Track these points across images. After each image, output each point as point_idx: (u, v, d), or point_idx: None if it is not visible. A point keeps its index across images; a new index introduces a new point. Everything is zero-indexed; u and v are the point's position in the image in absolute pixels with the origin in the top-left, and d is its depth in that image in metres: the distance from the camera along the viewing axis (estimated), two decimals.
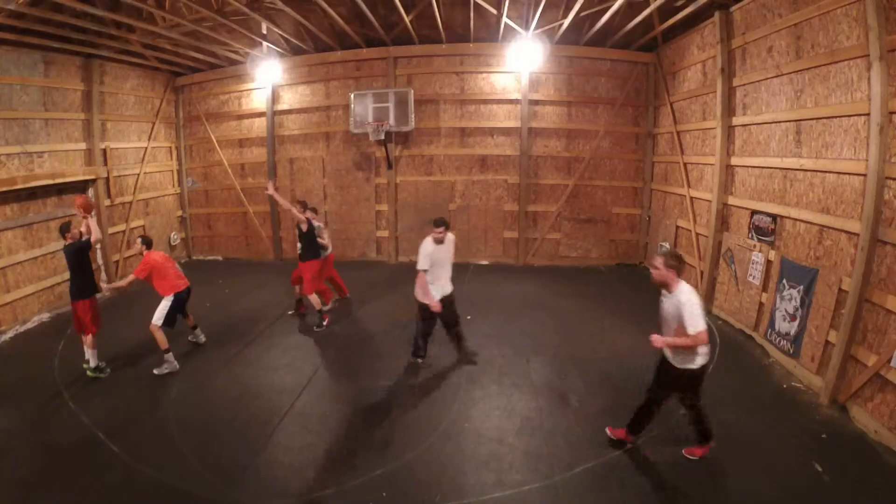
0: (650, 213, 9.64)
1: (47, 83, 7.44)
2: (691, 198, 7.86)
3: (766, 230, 5.82)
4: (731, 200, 6.64)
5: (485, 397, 4.89)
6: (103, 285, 6.55)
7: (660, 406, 3.85)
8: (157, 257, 5.56)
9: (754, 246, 6.03)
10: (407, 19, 8.10)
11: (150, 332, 5.45)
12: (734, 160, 6.57)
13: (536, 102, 9.58)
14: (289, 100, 10.26)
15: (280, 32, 8.53)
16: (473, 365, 5.52)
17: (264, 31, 8.56)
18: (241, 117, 10.57)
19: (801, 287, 5.11)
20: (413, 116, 9.32)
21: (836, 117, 4.73)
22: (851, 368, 4.43)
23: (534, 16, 7.64)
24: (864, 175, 4.28)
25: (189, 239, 11.20)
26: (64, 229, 5.33)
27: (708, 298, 6.98)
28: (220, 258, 11.20)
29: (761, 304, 5.87)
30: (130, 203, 9.26)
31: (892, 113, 4.06)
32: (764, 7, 5.80)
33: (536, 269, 9.81)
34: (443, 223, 5.16)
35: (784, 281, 5.41)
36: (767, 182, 5.86)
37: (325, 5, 6.89)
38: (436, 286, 5.17)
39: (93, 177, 8.18)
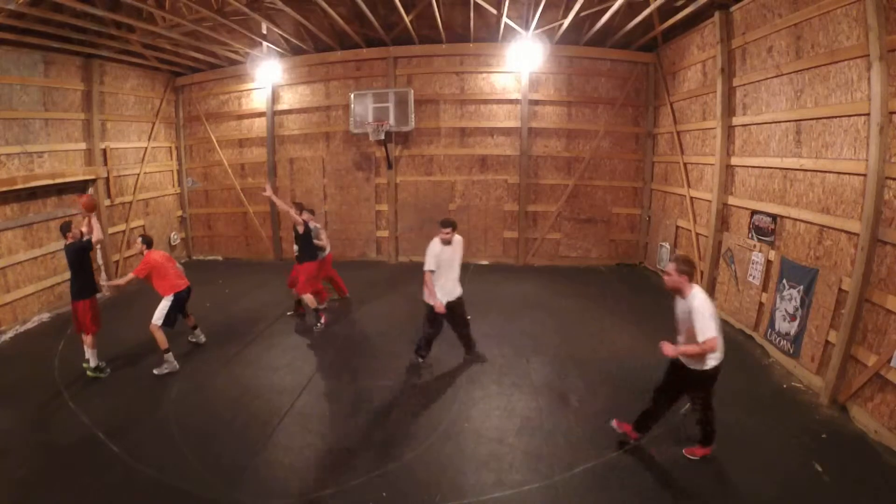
0: (650, 213, 9.64)
1: (47, 83, 7.44)
2: (691, 198, 7.86)
3: (766, 230, 5.82)
4: (731, 200, 6.64)
5: (485, 397, 4.89)
6: (102, 283, 6.53)
7: (669, 406, 3.84)
8: (157, 257, 5.56)
9: (754, 246, 6.03)
10: (407, 19, 8.10)
11: (150, 332, 5.45)
12: (734, 160, 6.58)
13: (536, 102, 9.58)
14: (289, 100, 10.26)
15: (280, 32, 8.53)
16: (480, 365, 5.52)
17: (264, 31, 8.57)
18: (241, 117, 10.57)
19: (801, 287, 5.11)
20: (413, 116, 9.31)
21: (836, 117, 4.73)
22: (851, 368, 4.43)
23: (534, 16, 7.65)
24: (864, 175, 4.28)
25: (189, 239, 11.20)
26: (65, 229, 5.33)
27: None
28: (220, 258, 11.20)
29: (761, 304, 5.87)
30: (130, 203, 9.26)
31: (892, 113, 4.06)
32: (764, 7, 5.80)
33: (536, 269, 9.81)
34: (450, 224, 5.10)
35: (784, 281, 5.41)
36: (767, 182, 5.86)
37: (325, 5, 6.89)
38: (443, 288, 5.13)
39: (93, 177, 8.18)
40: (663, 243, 8.75)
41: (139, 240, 5.72)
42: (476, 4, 7.76)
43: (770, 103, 5.80)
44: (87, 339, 5.23)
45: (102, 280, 6.80)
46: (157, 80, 10.01)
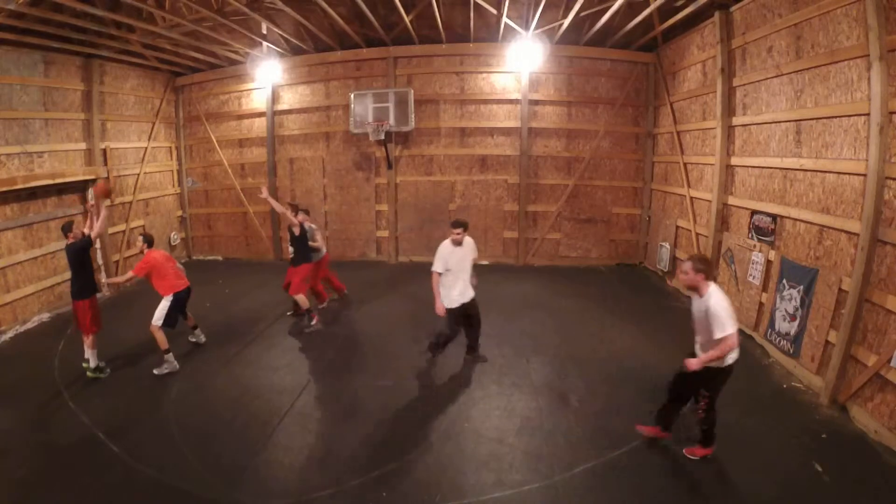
0: (650, 213, 9.64)
1: (47, 83, 7.44)
2: (691, 198, 7.86)
3: (766, 230, 5.82)
4: (731, 200, 6.64)
5: (485, 397, 4.89)
6: (102, 279, 6.54)
7: (686, 401, 3.85)
8: (157, 256, 5.56)
9: (754, 246, 6.03)
10: (407, 19, 8.10)
11: (150, 332, 5.45)
12: (734, 160, 6.58)
13: (536, 102, 9.58)
14: (289, 100, 10.26)
15: (280, 32, 8.53)
16: (480, 365, 5.51)
17: (264, 31, 8.57)
18: (241, 117, 10.57)
19: (801, 287, 5.11)
20: (413, 116, 9.31)
21: (836, 117, 4.73)
22: (851, 368, 4.43)
23: (534, 16, 7.65)
24: (864, 175, 4.28)
25: (189, 239, 11.20)
26: (66, 228, 5.33)
27: None
28: (220, 258, 11.20)
29: (761, 304, 5.87)
30: (130, 203, 9.25)
31: (892, 113, 4.06)
32: (764, 7, 5.80)
33: (536, 269, 9.81)
34: (461, 224, 5.05)
35: (784, 281, 5.41)
36: (767, 182, 5.86)
37: (325, 5, 6.89)
38: (454, 290, 5.08)
39: (93, 177, 8.15)
40: (663, 243, 8.75)
41: (140, 238, 5.72)
42: (476, 4, 7.76)
43: (770, 103, 5.80)
44: (88, 339, 5.23)
45: (102, 278, 6.80)
46: (157, 80, 10.01)
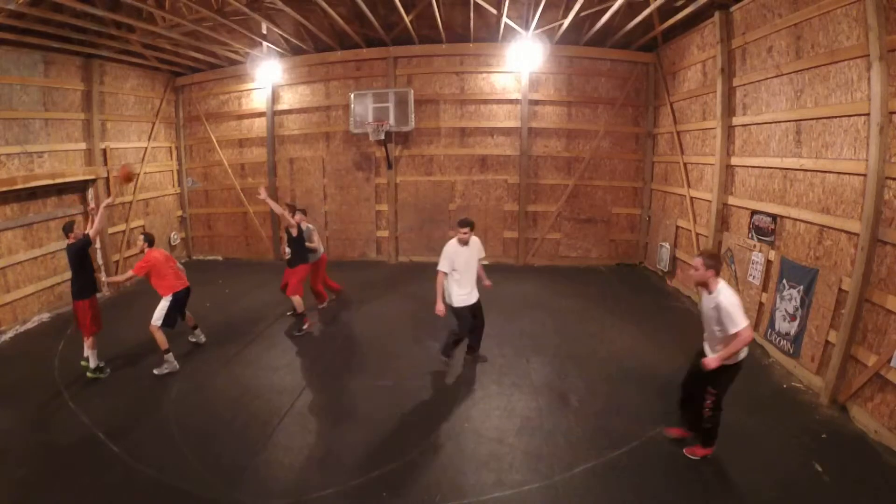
0: (650, 213, 9.64)
1: (47, 83, 7.44)
2: (691, 198, 7.86)
3: (766, 230, 5.82)
4: (731, 200, 6.64)
5: (485, 397, 4.89)
6: (102, 279, 6.54)
7: (699, 399, 3.83)
8: (157, 255, 5.55)
9: (754, 246, 6.03)
10: (407, 19, 8.10)
11: (149, 332, 5.45)
12: (734, 160, 6.58)
13: (536, 102, 9.58)
14: (289, 100, 10.26)
15: (280, 32, 8.53)
16: (480, 365, 5.52)
17: (264, 31, 8.57)
18: (241, 117, 10.57)
19: (801, 287, 5.11)
20: (413, 116, 9.31)
21: (836, 117, 4.73)
22: (851, 368, 4.43)
23: (534, 16, 7.65)
24: (864, 175, 4.28)
25: (189, 239, 11.20)
26: (67, 229, 5.33)
27: None
28: (220, 258, 11.20)
29: (761, 304, 5.87)
30: (130, 203, 9.25)
31: (892, 113, 4.06)
32: (764, 7, 5.80)
33: (536, 269, 9.81)
34: (468, 223, 5.01)
35: (784, 281, 5.41)
36: (767, 182, 5.86)
37: (325, 5, 6.90)
38: (460, 291, 5.04)
39: (93, 177, 8.17)
40: (663, 243, 8.75)
41: (141, 237, 5.72)
42: (476, 4, 7.76)
43: (770, 103, 5.80)
44: (88, 339, 5.23)
45: (103, 277, 6.81)
46: (157, 80, 10.02)
